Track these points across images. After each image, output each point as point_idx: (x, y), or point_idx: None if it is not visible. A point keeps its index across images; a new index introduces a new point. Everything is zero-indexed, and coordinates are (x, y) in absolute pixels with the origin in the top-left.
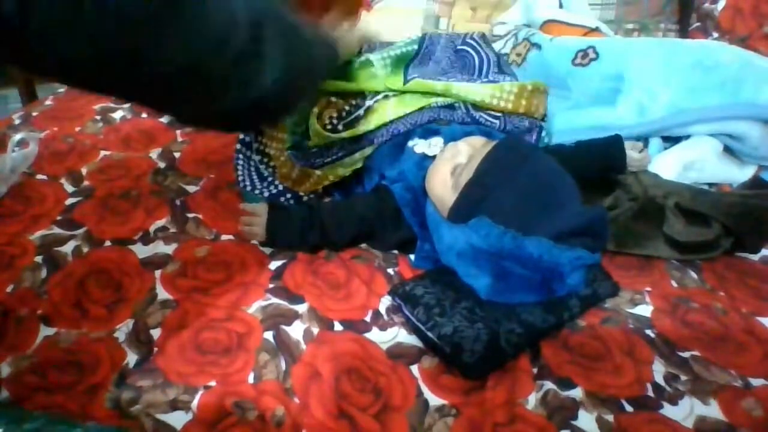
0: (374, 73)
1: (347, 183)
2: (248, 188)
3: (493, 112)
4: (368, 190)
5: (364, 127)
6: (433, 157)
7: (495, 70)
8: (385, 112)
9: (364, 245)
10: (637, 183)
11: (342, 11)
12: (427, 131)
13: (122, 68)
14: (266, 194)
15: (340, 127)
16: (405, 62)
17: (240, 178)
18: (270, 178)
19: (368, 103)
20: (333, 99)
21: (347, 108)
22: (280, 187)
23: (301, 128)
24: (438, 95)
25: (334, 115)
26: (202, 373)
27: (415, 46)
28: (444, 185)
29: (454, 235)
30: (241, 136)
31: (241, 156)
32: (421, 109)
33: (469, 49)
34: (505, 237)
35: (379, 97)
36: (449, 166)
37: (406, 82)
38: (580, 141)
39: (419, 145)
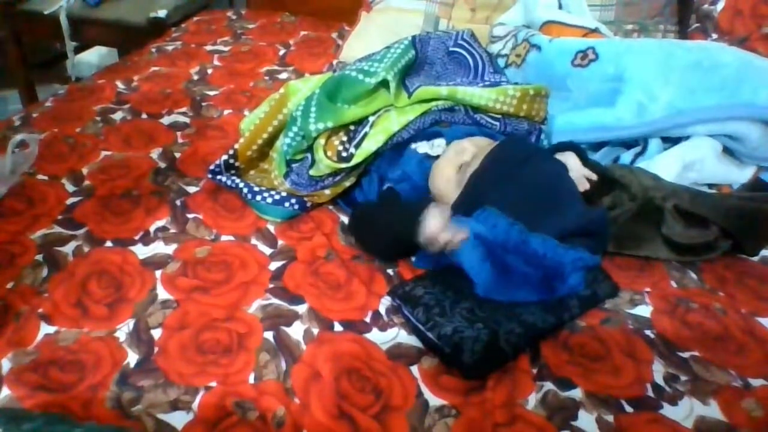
0: (381, 92)
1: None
2: (249, 197)
3: (493, 114)
4: (374, 197)
5: (374, 145)
6: (436, 158)
7: (491, 70)
8: (389, 123)
9: None
10: (638, 183)
11: None
12: (429, 133)
13: None
14: (270, 201)
15: (352, 150)
16: (406, 72)
17: (237, 190)
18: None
19: (371, 118)
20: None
21: (352, 127)
22: (284, 193)
23: (296, 157)
24: (441, 100)
25: (345, 139)
26: (202, 373)
27: (413, 52)
28: (448, 182)
29: (461, 228)
30: (212, 166)
31: (222, 178)
32: (422, 114)
33: (461, 51)
34: (513, 229)
35: (381, 110)
36: (454, 163)
37: (410, 94)
38: None
39: (422, 146)
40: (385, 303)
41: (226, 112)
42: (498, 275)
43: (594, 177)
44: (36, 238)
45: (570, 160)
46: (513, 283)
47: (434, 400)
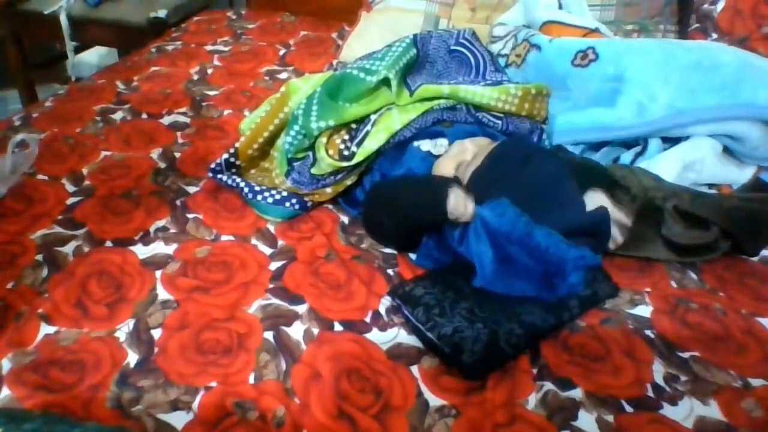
0: (382, 90)
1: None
2: (249, 196)
3: (495, 113)
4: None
5: (375, 143)
6: (438, 156)
7: (492, 68)
8: (391, 122)
9: (364, 245)
10: (638, 184)
11: None
12: (431, 132)
13: None
14: (270, 201)
15: (354, 148)
16: (408, 70)
17: (237, 190)
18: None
19: (373, 117)
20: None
21: (354, 126)
22: (284, 193)
23: (298, 155)
24: (443, 98)
25: (346, 137)
26: (202, 373)
27: (414, 50)
28: None
29: None
30: (212, 165)
31: (223, 177)
32: (424, 112)
33: (463, 50)
34: (520, 221)
35: (383, 108)
36: (454, 162)
37: (411, 93)
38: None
39: (425, 144)
40: (385, 303)
41: (226, 112)
42: (499, 265)
43: (628, 223)
44: (36, 238)
45: (599, 198)
46: (513, 274)
47: (434, 400)
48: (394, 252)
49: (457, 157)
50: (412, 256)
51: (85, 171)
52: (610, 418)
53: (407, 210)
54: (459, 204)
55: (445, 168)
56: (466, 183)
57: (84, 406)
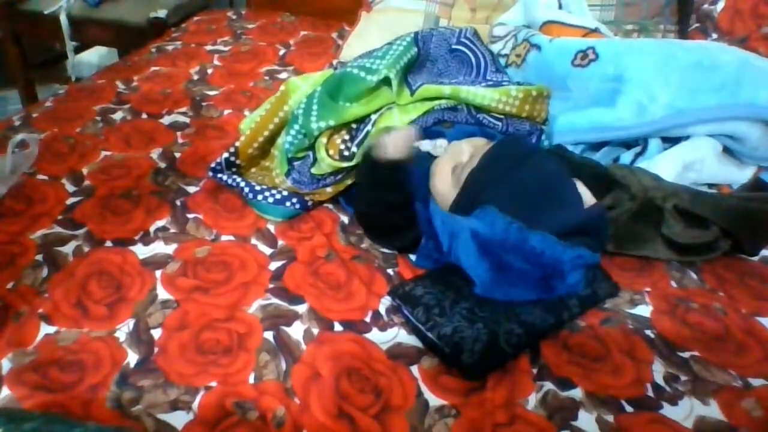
0: (383, 89)
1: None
2: (250, 196)
3: (495, 115)
4: None
5: None
6: (437, 157)
7: (492, 69)
8: (392, 122)
9: (364, 245)
10: (638, 183)
11: None
12: (431, 133)
13: None
14: (271, 200)
15: (354, 148)
16: (408, 69)
17: (237, 189)
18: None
19: (374, 117)
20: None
21: (354, 126)
22: (285, 193)
23: (298, 155)
24: (444, 98)
25: (347, 137)
26: (202, 373)
27: (415, 49)
28: (445, 182)
29: (459, 225)
30: (212, 164)
31: (223, 176)
32: (425, 112)
33: (464, 49)
34: (511, 228)
35: (384, 108)
36: (451, 164)
37: (412, 92)
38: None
39: (424, 144)
40: (385, 303)
41: (226, 112)
42: (496, 273)
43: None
44: (36, 238)
45: (581, 189)
46: (511, 280)
47: (434, 400)
48: (394, 252)
49: (453, 158)
50: (412, 256)
51: (85, 171)
52: (610, 418)
53: (371, 187)
54: (392, 143)
55: (441, 170)
56: (463, 183)
57: (84, 406)
